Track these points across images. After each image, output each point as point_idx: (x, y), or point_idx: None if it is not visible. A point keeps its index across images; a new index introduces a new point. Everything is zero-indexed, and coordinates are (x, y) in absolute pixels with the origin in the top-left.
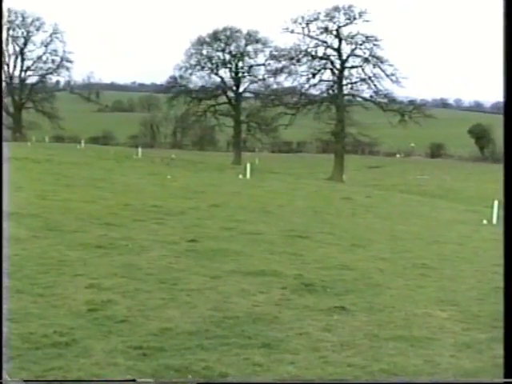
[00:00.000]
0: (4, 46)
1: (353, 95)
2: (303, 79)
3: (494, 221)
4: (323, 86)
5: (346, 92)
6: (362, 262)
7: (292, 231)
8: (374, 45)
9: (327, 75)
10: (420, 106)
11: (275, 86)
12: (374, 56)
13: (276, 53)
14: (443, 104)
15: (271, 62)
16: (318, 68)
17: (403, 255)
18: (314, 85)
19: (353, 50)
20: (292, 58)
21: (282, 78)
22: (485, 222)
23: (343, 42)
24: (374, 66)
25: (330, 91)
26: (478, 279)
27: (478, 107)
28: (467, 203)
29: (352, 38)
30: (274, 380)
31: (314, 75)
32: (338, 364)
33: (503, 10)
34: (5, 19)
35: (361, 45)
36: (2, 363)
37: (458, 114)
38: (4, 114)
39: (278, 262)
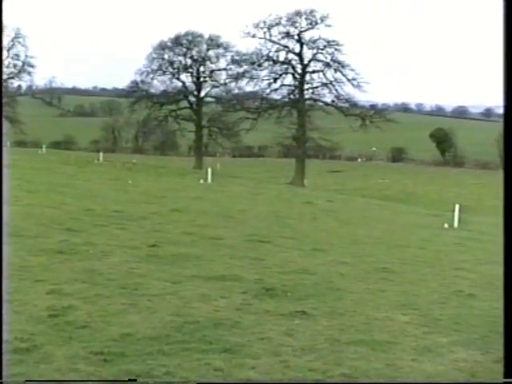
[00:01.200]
0: None
1: (314, 100)
2: (265, 84)
3: (456, 225)
4: (284, 91)
5: (307, 96)
6: (323, 266)
7: (253, 236)
8: (336, 49)
9: (289, 80)
10: (381, 110)
11: (237, 91)
12: (335, 61)
13: (237, 57)
14: (405, 108)
15: (233, 66)
16: (280, 73)
17: (364, 259)
18: (276, 89)
19: (314, 55)
20: (253, 63)
21: (243, 82)
22: (446, 225)
23: (305, 47)
24: (336, 70)
25: (292, 96)
26: (439, 283)
27: (439, 111)
28: (428, 207)
29: (313, 42)
30: (274, 380)
31: (275, 80)
32: (299, 368)
33: (503, 10)
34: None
35: (322, 49)
36: (2, 363)
37: (420, 119)
38: None
39: (239, 266)
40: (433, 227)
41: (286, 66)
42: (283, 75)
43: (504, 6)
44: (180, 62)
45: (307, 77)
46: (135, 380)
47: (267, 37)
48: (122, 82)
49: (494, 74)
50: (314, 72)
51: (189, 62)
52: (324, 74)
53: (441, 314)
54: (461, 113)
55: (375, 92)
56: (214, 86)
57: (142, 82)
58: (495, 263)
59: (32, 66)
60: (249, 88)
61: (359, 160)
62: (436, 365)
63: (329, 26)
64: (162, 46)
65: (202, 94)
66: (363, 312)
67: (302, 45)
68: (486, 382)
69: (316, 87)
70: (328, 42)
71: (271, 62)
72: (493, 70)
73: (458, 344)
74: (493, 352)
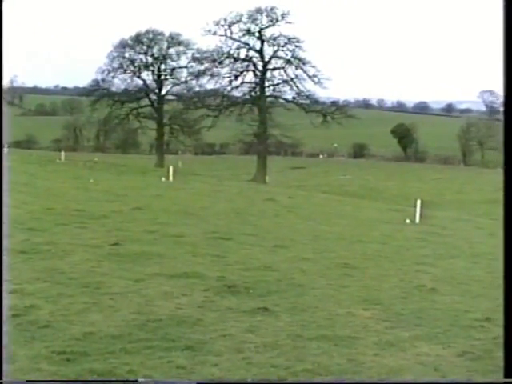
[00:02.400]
0: None
1: (275, 97)
2: (225, 81)
3: (417, 220)
4: (245, 88)
5: (268, 94)
6: (284, 262)
7: (215, 233)
8: (297, 46)
9: (249, 77)
10: (342, 106)
11: (198, 89)
12: (296, 57)
13: (198, 55)
14: (366, 104)
15: (193, 64)
16: (241, 70)
17: (326, 255)
18: (237, 87)
19: (275, 52)
20: (214, 61)
21: (204, 80)
22: (408, 221)
23: (265, 44)
24: (297, 67)
25: (253, 93)
26: (400, 278)
27: (400, 107)
28: (390, 202)
29: (274, 39)
30: (274, 380)
31: (236, 77)
32: (262, 365)
33: (503, 10)
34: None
35: (283, 46)
36: (1, 363)
37: (381, 114)
38: None
39: (201, 264)
40: (394, 222)
41: (246, 64)
42: (244, 72)
43: (504, 6)
44: (141, 60)
45: (268, 74)
46: (136, 381)
47: (228, 34)
48: (83, 81)
49: (455, 70)
50: (274, 69)
51: (150, 60)
52: (285, 71)
53: (403, 309)
54: (422, 108)
55: (336, 88)
56: (174, 84)
57: (103, 80)
58: (457, 257)
59: None
60: (210, 85)
61: (321, 156)
62: (398, 359)
63: (289, 23)
64: (122, 45)
65: (163, 91)
66: (325, 308)
67: (262, 42)
68: (485, 382)
69: (277, 84)
70: (289, 39)
71: (232, 60)
72: (454, 66)
73: (420, 338)
74: (455, 346)
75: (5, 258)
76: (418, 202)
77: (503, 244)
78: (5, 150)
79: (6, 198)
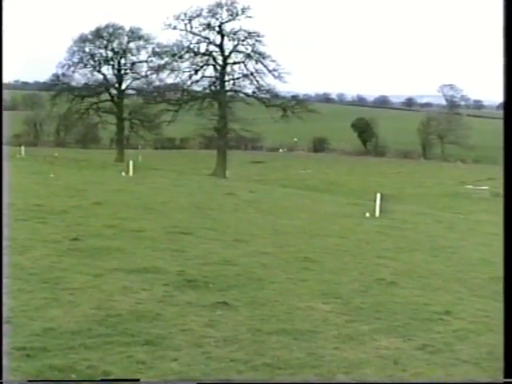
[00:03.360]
0: None
1: (235, 91)
2: (186, 76)
3: (377, 213)
4: (205, 83)
5: (228, 88)
6: (244, 256)
7: (175, 228)
8: (257, 40)
9: (210, 71)
10: (303, 100)
11: (158, 83)
12: (256, 52)
13: (158, 49)
14: (326, 99)
15: (153, 58)
16: (201, 64)
17: (286, 249)
18: (197, 81)
19: (235, 46)
20: (174, 55)
21: (164, 74)
22: (367, 214)
23: (226, 38)
24: (257, 61)
25: (213, 87)
26: (360, 271)
27: (360, 101)
28: (350, 196)
29: (234, 34)
30: (274, 380)
31: (196, 71)
32: (221, 359)
33: (503, 10)
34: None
35: (243, 41)
36: (1, 363)
37: (341, 109)
38: None
39: (161, 258)
40: (354, 216)
41: (206, 58)
42: (204, 67)
43: (504, 5)
44: (101, 54)
45: (228, 68)
46: (138, 380)
47: (188, 28)
48: (44, 76)
49: (416, 64)
50: (234, 63)
51: (110, 54)
52: (245, 65)
53: (362, 303)
54: (382, 102)
55: (297, 83)
56: (135, 79)
57: (64, 75)
58: (416, 251)
59: None
60: (170, 80)
61: (281, 150)
62: (358, 353)
63: (250, 17)
64: (82, 39)
65: (123, 86)
66: (285, 302)
67: (222, 36)
68: (486, 382)
69: (237, 78)
70: (249, 33)
71: (192, 54)
72: (414, 60)
73: (379, 332)
74: (415, 339)
75: None
76: (378, 196)
77: (503, 244)
78: None
79: (6, 198)
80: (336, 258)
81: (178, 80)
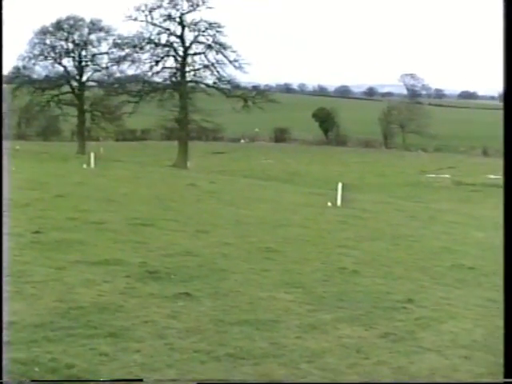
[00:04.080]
0: None
1: (196, 82)
2: (146, 67)
3: (339, 203)
4: (166, 74)
5: (189, 79)
6: (206, 247)
7: (136, 219)
8: (217, 31)
9: (170, 62)
10: (264, 91)
11: (118, 75)
12: (216, 42)
13: (119, 41)
14: (287, 89)
15: (114, 50)
16: (161, 55)
17: (248, 240)
18: (157, 72)
19: (196, 37)
20: (135, 46)
21: (125, 66)
22: (329, 204)
23: (186, 29)
24: (217, 52)
25: (173, 78)
26: (322, 261)
27: (321, 91)
28: (312, 186)
29: (195, 24)
30: (274, 380)
31: (157, 63)
32: (184, 350)
33: (503, 10)
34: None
35: (204, 31)
36: (2, 363)
37: (302, 99)
38: None
39: (123, 250)
40: (316, 206)
41: (167, 49)
42: (165, 58)
43: (504, 5)
44: (62, 46)
45: (189, 59)
46: (141, 380)
47: (149, 20)
48: (4, 69)
49: (376, 54)
50: (195, 54)
51: (70, 46)
52: (206, 56)
53: (324, 292)
54: (343, 92)
55: (257, 73)
56: (95, 70)
57: (24, 67)
58: (377, 240)
59: None
60: (131, 71)
61: (242, 141)
62: (321, 342)
63: (210, 7)
64: (43, 31)
65: (84, 78)
66: (247, 292)
67: (183, 27)
68: (486, 382)
69: (198, 69)
70: (209, 24)
71: (153, 45)
72: (374, 50)
73: (342, 321)
74: (377, 328)
75: None
76: (339, 186)
77: (503, 244)
78: None
79: (6, 198)
80: (298, 248)
81: (138, 71)
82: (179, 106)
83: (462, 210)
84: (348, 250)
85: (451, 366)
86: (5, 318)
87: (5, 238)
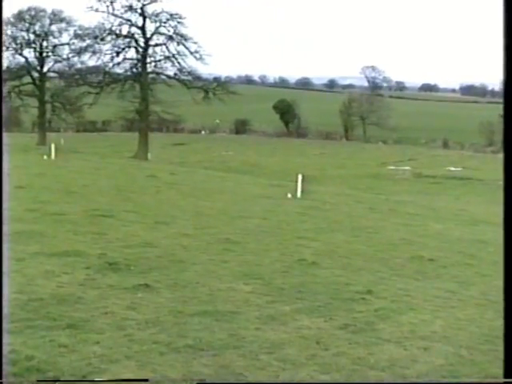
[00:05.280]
0: None
1: (157, 73)
2: (107, 58)
3: (298, 194)
4: (127, 65)
5: (150, 70)
6: (165, 239)
7: (96, 211)
8: (179, 22)
9: (131, 53)
10: (224, 82)
11: (79, 65)
12: (178, 34)
13: (80, 32)
14: (248, 80)
15: (75, 41)
16: (123, 46)
17: (207, 231)
18: (118, 63)
19: (157, 28)
20: (96, 37)
21: (86, 56)
22: (289, 195)
23: (147, 20)
24: (178, 43)
25: (134, 69)
26: (281, 252)
27: (282, 83)
28: (272, 178)
29: (156, 16)
30: (274, 380)
31: (118, 54)
32: (144, 342)
33: (503, 10)
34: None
35: (165, 23)
36: (2, 363)
37: (263, 90)
38: None
39: (82, 242)
40: (276, 197)
41: (128, 40)
42: (126, 49)
43: (504, 5)
44: (23, 37)
45: (150, 50)
46: (147, 380)
47: (110, 10)
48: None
49: (337, 46)
50: (156, 45)
51: (32, 37)
52: (167, 48)
53: (284, 283)
54: (304, 84)
55: (218, 65)
56: (56, 61)
57: None
58: (337, 231)
59: None
60: (91, 62)
61: (203, 133)
62: (280, 333)
63: None
64: (4, 22)
65: (45, 69)
66: (206, 283)
67: (144, 18)
68: (486, 382)
69: (159, 60)
70: (171, 15)
71: (114, 36)
72: (336, 42)
73: (301, 312)
74: (336, 319)
75: None
76: (299, 177)
77: (503, 244)
78: None
79: (6, 198)
80: (257, 240)
81: (99, 62)
82: (140, 97)
83: (421, 201)
84: (307, 241)
85: (410, 356)
86: (5, 318)
87: (5, 238)
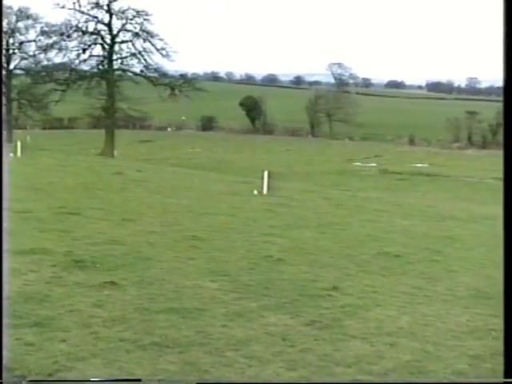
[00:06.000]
0: None
1: (123, 70)
2: (74, 55)
3: (265, 191)
4: (94, 62)
5: (116, 67)
6: (132, 236)
7: (62, 208)
8: (145, 19)
9: (98, 50)
10: (191, 79)
11: (46, 63)
12: (144, 30)
13: (47, 29)
14: (214, 77)
15: (42, 38)
16: (89, 43)
17: (174, 228)
18: (85, 60)
19: (123, 25)
20: (63, 34)
21: (52, 54)
22: (255, 192)
23: (114, 17)
24: (145, 40)
25: (101, 66)
26: (248, 249)
27: (249, 80)
28: (238, 175)
29: (123, 12)
30: (274, 380)
31: (84, 51)
32: (110, 339)
33: (503, 10)
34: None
35: (131, 19)
36: (2, 363)
37: (230, 87)
38: None
39: (48, 239)
40: (242, 194)
41: (95, 37)
42: (92, 46)
43: (504, 5)
44: None
45: (116, 47)
46: (139, 380)
47: (77, 7)
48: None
49: (304, 43)
50: (123, 42)
51: None
52: (133, 44)
53: (250, 280)
54: (271, 81)
55: (185, 61)
56: (23, 58)
57: None
58: (303, 228)
59: None
60: (58, 59)
61: (169, 129)
62: (246, 330)
63: None
64: None
65: (11, 66)
66: (172, 280)
67: (111, 15)
68: (486, 382)
69: (125, 57)
70: (137, 12)
71: (80, 33)
72: (302, 39)
73: (267, 308)
74: (302, 315)
75: None
76: (266, 174)
77: (503, 243)
78: None
79: (6, 197)
80: (224, 236)
81: (66, 59)
82: (106, 94)
83: (388, 198)
84: (274, 238)
85: (377, 352)
86: (4, 319)
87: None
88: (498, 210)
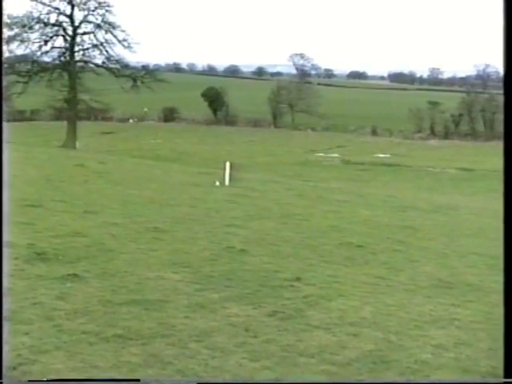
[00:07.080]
0: None
1: (85, 61)
2: (35, 46)
3: (227, 182)
4: (55, 53)
5: (78, 58)
6: (94, 228)
7: (24, 200)
8: (107, 11)
9: (59, 42)
10: (153, 71)
11: (8, 54)
12: (106, 22)
13: (8, 20)
14: (176, 68)
15: (3, 30)
16: (51, 35)
17: (136, 219)
18: (47, 52)
19: (85, 17)
20: (24, 26)
21: (14, 45)
22: (217, 183)
23: (76, 9)
24: (106, 31)
25: (63, 58)
26: (210, 240)
27: (211, 71)
28: (200, 166)
29: (84, 4)
30: (274, 380)
31: (46, 42)
32: (73, 332)
33: (503, 10)
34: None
35: (93, 11)
36: (2, 363)
37: (192, 78)
38: None
39: (11, 232)
40: (204, 185)
41: (56, 29)
42: (54, 37)
43: (504, 5)
44: None
45: (78, 39)
46: (138, 380)
47: None
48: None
49: (266, 33)
50: (84, 34)
51: None
52: (95, 36)
53: (212, 271)
54: (233, 72)
55: (146, 53)
56: None
57: None
58: (265, 218)
59: None
60: (19, 51)
61: (131, 121)
62: (209, 321)
63: None
64: None
65: None
66: (135, 272)
67: (73, 7)
68: (486, 382)
69: (87, 49)
70: (99, 3)
71: (42, 25)
72: (264, 29)
73: (230, 299)
74: (265, 306)
75: None
76: (227, 165)
77: (503, 243)
78: None
79: (6, 197)
80: (186, 228)
81: (27, 51)
82: (68, 85)
83: (350, 188)
84: (236, 229)
85: (339, 343)
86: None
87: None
88: (460, 200)
